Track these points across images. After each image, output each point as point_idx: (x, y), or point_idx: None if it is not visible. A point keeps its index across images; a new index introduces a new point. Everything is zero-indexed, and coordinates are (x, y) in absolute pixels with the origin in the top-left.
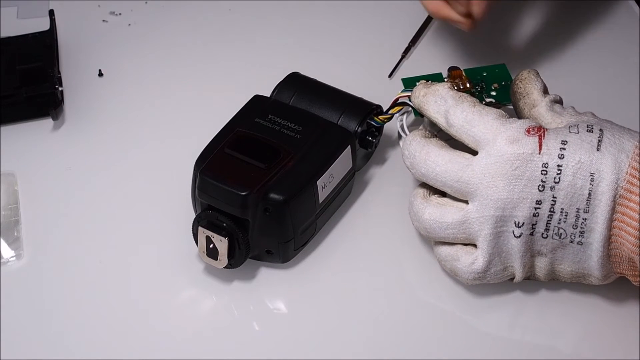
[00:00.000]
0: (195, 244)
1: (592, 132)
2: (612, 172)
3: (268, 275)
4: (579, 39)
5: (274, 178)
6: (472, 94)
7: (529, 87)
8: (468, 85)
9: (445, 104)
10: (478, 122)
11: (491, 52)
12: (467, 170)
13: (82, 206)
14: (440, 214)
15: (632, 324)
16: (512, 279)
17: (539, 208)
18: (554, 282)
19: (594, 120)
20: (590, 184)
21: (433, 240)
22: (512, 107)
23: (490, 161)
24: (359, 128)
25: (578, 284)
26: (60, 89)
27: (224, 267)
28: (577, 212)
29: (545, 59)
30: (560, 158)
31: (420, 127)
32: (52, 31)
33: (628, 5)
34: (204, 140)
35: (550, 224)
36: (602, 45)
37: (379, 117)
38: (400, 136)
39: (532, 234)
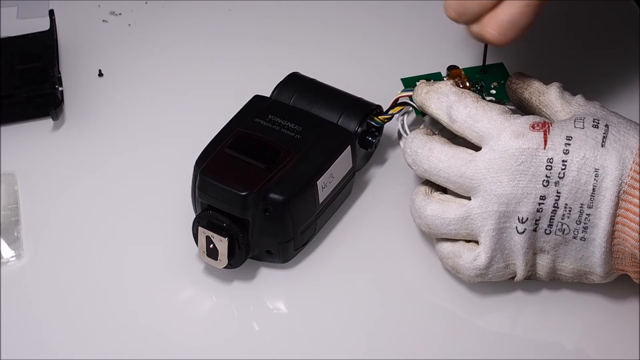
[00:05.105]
0: (195, 244)
1: (598, 127)
2: (617, 168)
3: (268, 275)
4: (578, 38)
5: (274, 178)
6: None
7: (527, 80)
8: (468, 84)
9: (447, 100)
10: (482, 117)
11: (490, 51)
12: (470, 166)
13: (82, 206)
14: (442, 209)
15: (632, 322)
16: (513, 277)
17: (543, 203)
18: (555, 282)
19: (600, 114)
20: (595, 179)
21: (435, 238)
22: (512, 106)
23: (494, 156)
24: (359, 128)
25: (579, 283)
26: (60, 89)
27: (224, 267)
28: (581, 207)
29: (544, 58)
30: (565, 153)
31: (422, 126)
32: (52, 31)
33: (628, 5)
34: (204, 140)
35: (553, 219)
36: (602, 45)
37: (379, 117)
38: (400, 136)
39: (535, 230)
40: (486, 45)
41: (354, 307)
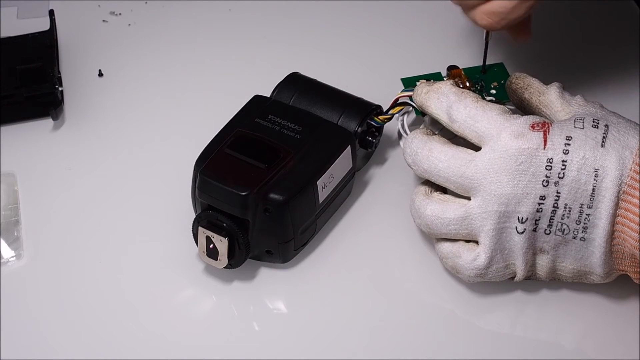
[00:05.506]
0: (195, 244)
1: (597, 127)
2: (616, 168)
3: (268, 275)
4: (578, 38)
5: (274, 178)
6: None
7: (527, 80)
8: (467, 84)
9: (447, 100)
10: (482, 117)
11: (489, 51)
12: (470, 166)
13: (82, 206)
14: (442, 210)
15: (632, 322)
16: (513, 277)
17: (543, 203)
18: (555, 282)
19: (600, 114)
20: (595, 179)
21: (435, 238)
22: (512, 106)
23: (494, 156)
24: (359, 128)
25: (579, 283)
26: (60, 89)
27: (224, 267)
28: (581, 207)
29: (544, 58)
30: (565, 153)
31: (422, 126)
32: (52, 31)
33: (628, 5)
34: (204, 140)
35: (553, 219)
36: (602, 45)
37: (379, 117)
38: (400, 136)
39: (535, 230)
40: (486, 45)
41: (354, 307)
